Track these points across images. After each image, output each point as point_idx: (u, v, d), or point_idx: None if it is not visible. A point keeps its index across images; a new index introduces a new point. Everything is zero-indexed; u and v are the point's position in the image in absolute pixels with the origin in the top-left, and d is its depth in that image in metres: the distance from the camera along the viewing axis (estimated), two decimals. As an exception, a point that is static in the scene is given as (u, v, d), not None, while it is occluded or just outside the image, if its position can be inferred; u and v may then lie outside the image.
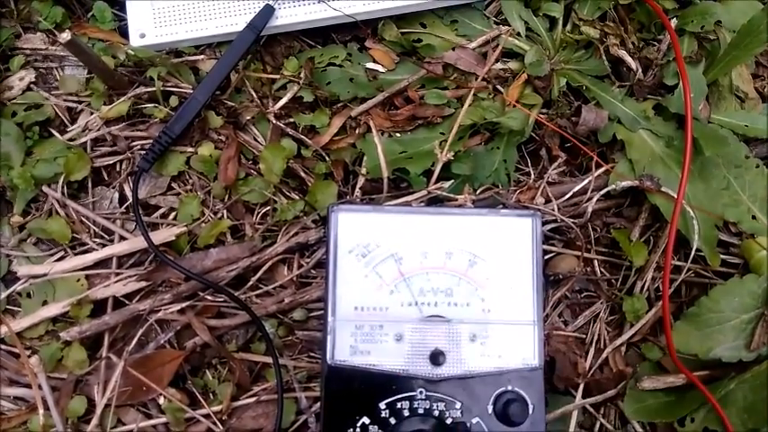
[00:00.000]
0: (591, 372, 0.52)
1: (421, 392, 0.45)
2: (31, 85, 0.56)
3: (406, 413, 0.44)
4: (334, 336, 0.45)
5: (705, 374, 0.51)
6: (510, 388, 0.45)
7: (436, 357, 0.45)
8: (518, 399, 0.45)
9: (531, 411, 0.45)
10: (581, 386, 0.51)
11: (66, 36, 0.48)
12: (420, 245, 0.47)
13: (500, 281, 0.47)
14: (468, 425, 0.44)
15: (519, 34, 0.59)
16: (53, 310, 0.50)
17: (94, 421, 0.48)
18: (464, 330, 0.46)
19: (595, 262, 0.55)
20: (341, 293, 0.45)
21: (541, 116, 0.56)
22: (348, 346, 0.45)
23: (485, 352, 0.45)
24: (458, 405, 0.45)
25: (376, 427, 0.44)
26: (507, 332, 0.46)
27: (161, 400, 0.50)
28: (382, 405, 0.44)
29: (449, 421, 0.44)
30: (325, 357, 0.45)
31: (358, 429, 0.44)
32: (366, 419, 0.44)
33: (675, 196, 0.51)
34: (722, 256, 0.54)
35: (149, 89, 0.54)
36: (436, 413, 0.44)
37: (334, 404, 0.44)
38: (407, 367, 0.45)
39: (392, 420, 0.44)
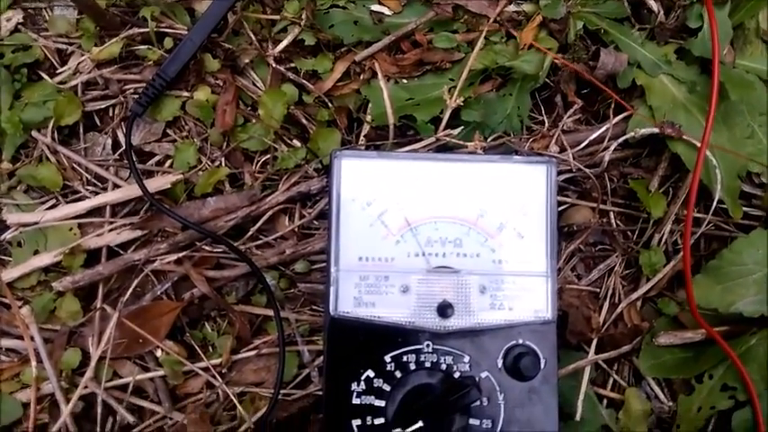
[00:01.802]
0: (605, 327, 0.51)
1: (428, 345, 0.43)
2: (19, 26, 0.53)
3: (413, 366, 0.43)
4: (338, 287, 0.43)
5: (725, 330, 0.49)
6: (521, 341, 0.43)
7: (444, 309, 0.43)
8: (529, 352, 0.43)
9: (542, 366, 0.43)
10: (594, 341, 0.50)
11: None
12: (428, 193, 0.45)
13: (512, 231, 0.45)
14: (477, 379, 0.43)
15: (534, -26, 0.56)
16: (45, 259, 0.49)
17: (89, 374, 0.47)
18: (473, 282, 0.44)
19: (611, 214, 0.52)
20: (344, 243, 0.43)
21: (557, 59, 0.53)
22: (352, 297, 0.43)
23: (495, 304, 0.44)
24: (466, 359, 0.43)
25: (381, 380, 0.42)
26: (519, 284, 0.44)
27: (158, 353, 0.48)
28: (388, 358, 0.43)
29: (457, 375, 0.43)
30: (328, 309, 0.43)
31: (362, 382, 0.42)
32: (371, 372, 0.43)
33: (698, 144, 0.49)
34: (744, 209, 0.52)
35: (142, 30, 0.51)
36: (444, 367, 0.43)
37: (337, 357, 0.43)
38: (414, 319, 0.43)
39: (398, 374, 0.43)
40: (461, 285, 0.43)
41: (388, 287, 0.43)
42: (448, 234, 0.44)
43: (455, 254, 0.44)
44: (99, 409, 0.47)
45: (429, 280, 0.43)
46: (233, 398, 0.48)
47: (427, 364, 0.43)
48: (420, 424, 0.41)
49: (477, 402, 0.42)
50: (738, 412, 0.48)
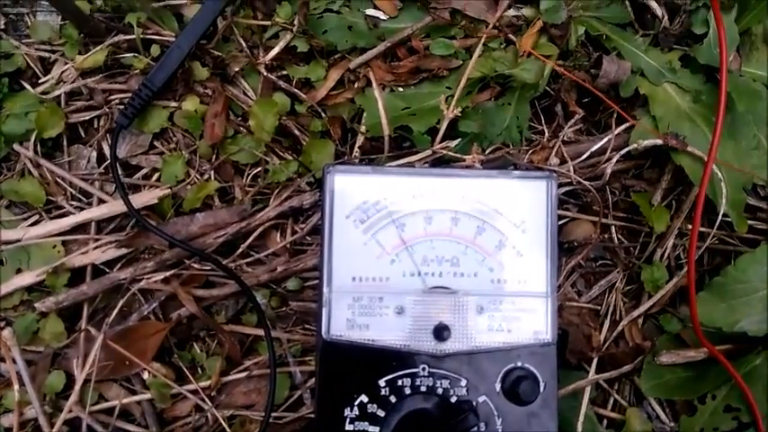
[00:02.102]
0: (605, 345, 0.50)
1: (424, 369, 0.42)
2: (1, 33, 0.51)
3: (408, 391, 0.41)
4: (330, 308, 0.41)
5: (728, 349, 0.48)
6: (520, 364, 0.42)
7: (441, 332, 0.42)
8: (528, 376, 0.42)
9: (542, 389, 0.42)
10: (595, 361, 0.49)
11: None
12: (424, 210, 0.43)
13: (511, 249, 0.43)
14: (475, 404, 0.41)
15: (533, -23, 0.54)
16: (28, 278, 0.47)
17: (73, 397, 0.45)
18: (471, 303, 0.42)
19: (613, 228, 0.51)
20: (337, 263, 0.42)
21: (558, 68, 0.51)
22: (345, 319, 0.42)
23: (493, 326, 0.42)
24: (463, 382, 0.42)
25: (375, 405, 0.41)
26: (518, 304, 0.43)
27: (145, 375, 0.47)
28: (382, 382, 0.41)
29: (453, 400, 0.41)
30: (321, 332, 0.41)
31: (356, 408, 0.41)
32: (365, 397, 0.41)
33: (703, 156, 0.47)
34: (749, 222, 0.50)
35: (128, 37, 0.50)
36: (440, 391, 0.41)
37: (330, 381, 0.41)
38: (409, 342, 0.42)
39: (393, 399, 0.41)
40: (458, 306, 0.42)
41: (382, 308, 0.42)
42: (445, 253, 0.43)
43: (452, 273, 0.42)
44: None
45: (425, 301, 0.42)
46: (222, 422, 0.46)
47: (423, 389, 0.41)
48: (416, 450, 0.39)
49: (475, 428, 0.40)
50: (742, 433, 0.47)
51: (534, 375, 0.42)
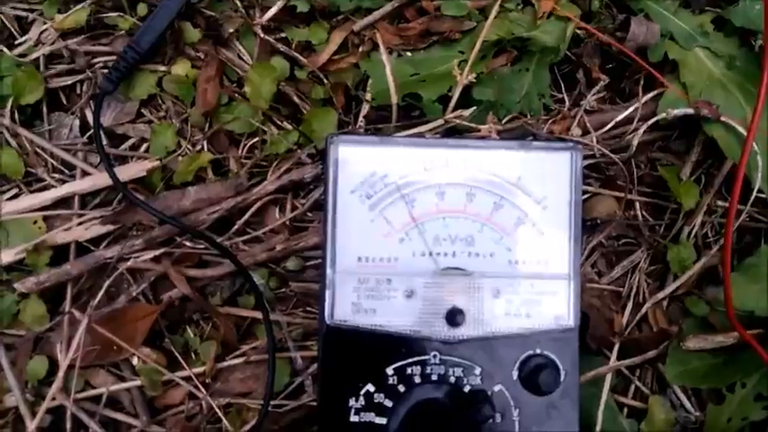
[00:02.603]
0: (628, 330, 0.47)
1: (435, 356, 0.39)
2: (-28, -10, 0.47)
3: (418, 379, 0.39)
4: (334, 291, 0.39)
5: (760, 333, 0.45)
6: (539, 351, 0.40)
7: (454, 316, 0.39)
8: (548, 364, 0.39)
9: (562, 378, 0.39)
10: (616, 346, 0.46)
11: None
12: (436, 184, 0.40)
13: (530, 227, 0.40)
14: (490, 393, 0.39)
15: (554, -69, 0.50)
16: (6, 257, 0.45)
17: (57, 384, 0.43)
18: (487, 285, 0.39)
19: (637, 204, 0.48)
20: (342, 241, 0.39)
21: (580, 30, 0.48)
22: (350, 303, 0.39)
23: (510, 310, 0.40)
24: (477, 370, 0.39)
25: (382, 395, 0.39)
26: (537, 287, 0.40)
27: (135, 361, 0.45)
28: (390, 370, 0.39)
29: (467, 389, 0.39)
30: (323, 316, 0.39)
31: (362, 398, 0.38)
32: (371, 387, 0.39)
33: (738, 127, 0.44)
34: (784, 200, 0.47)
35: (113, -6, 0.46)
36: (452, 379, 0.39)
37: (333, 369, 0.39)
38: (420, 328, 0.39)
39: (401, 388, 0.39)
40: (473, 289, 0.39)
41: (390, 291, 0.39)
42: (458, 231, 0.40)
43: (466, 253, 0.40)
44: (69, 424, 0.44)
45: (437, 283, 0.39)
46: (218, 410, 0.44)
47: (434, 377, 0.39)
48: (427, 442, 0.37)
49: (490, 419, 0.38)
50: (772, 421, 0.44)
51: (554, 363, 0.39)
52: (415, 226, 0.39)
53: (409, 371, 0.39)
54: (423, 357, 0.39)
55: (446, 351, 0.39)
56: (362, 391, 0.39)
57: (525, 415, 0.39)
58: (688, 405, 0.47)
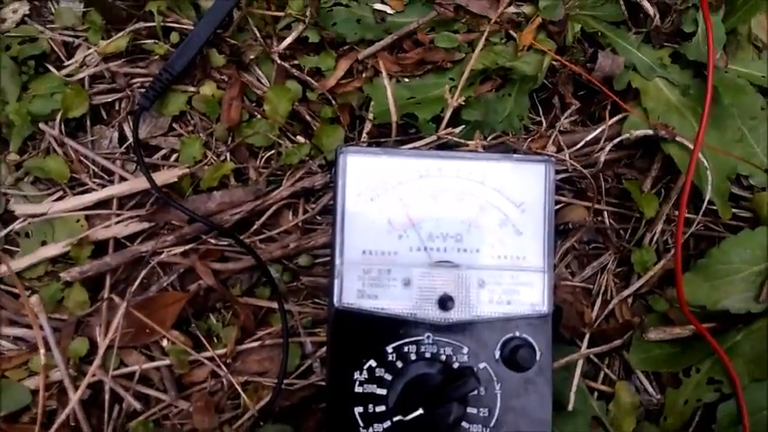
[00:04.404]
0: (597, 322, 0.52)
1: (428, 337, 0.44)
2: (26, 18, 0.54)
3: (413, 357, 0.44)
4: (342, 279, 0.44)
5: (712, 326, 0.51)
6: (518, 334, 0.45)
7: (444, 302, 0.44)
8: (526, 345, 0.44)
9: (538, 358, 0.44)
10: (587, 336, 0.52)
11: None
12: (430, 189, 0.45)
13: (510, 227, 0.45)
14: (475, 369, 0.44)
15: (534, -24, 0.57)
16: (52, 250, 0.49)
17: (97, 362, 0.48)
18: (473, 276, 0.45)
19: (605, 213, 0.54)
20: (349, 237, 0.44)
21: (556, 61, 0.54)
22: (356, 289, 0.44)
23: (493, 298, 0.45)
24: (465, 350, 0.44)
25: (383, 369, 0.43)
26: (516, 279, 0.45)
27: (164, 343, 0.49)
28: (389, 349, 0.44)
29: (456, 366, 0.44)
30: (333, 301, 0.44)
31: (365, 372, 0.43)
32: (373, 362, 0.43)
33: (690, 146, 0.51)
34: (733, 210, 0.53)
35: (149, 24, 0.53)
36: (443, 358, 0.44)
37: (341, 346, 0.44)
38: (415, 311, 0.44)
39: (399, 364, 0.44)
40: (461, 279, 0.45)
41: (390, 280, 0.44)
42: (449, 230, 0.45)
43: (456, 249, 0.45)
44: (106, 397, 0.48)
45: (430, 274, 0.44)
46: (237, 387, 0.49)
47: (427, 355, 0.44)
48: (420, 411, 0.42)
49: (475, 392, 0.43)
50: (723, 405, 0.50)
51: (531, 344, 0.44)
52: (411, 225, 0.45)
53: (406, 349, 0.44)
54: (418, 338, 0.44)
55: (438, 332, 0.44)
56: (365, 366, 0.43)
57: (506, 389, 0.44)
58: (650, 389, 0.53)
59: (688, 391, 0.51)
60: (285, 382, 0.49)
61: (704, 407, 0.51)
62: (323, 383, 0.50)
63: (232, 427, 0.48)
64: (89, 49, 0.53)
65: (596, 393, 0.52)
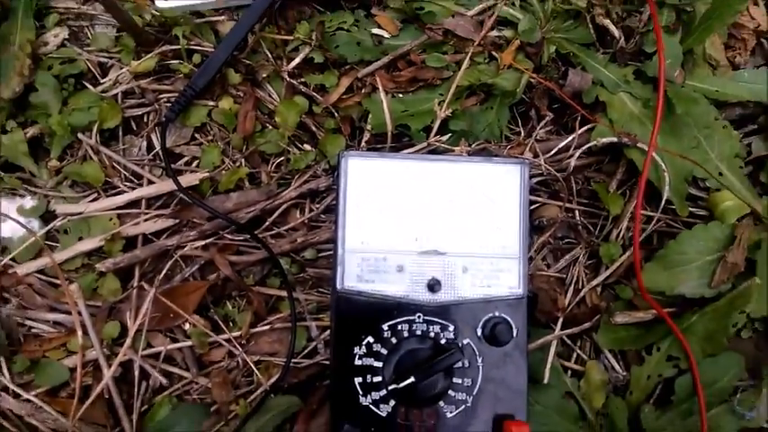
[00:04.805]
0: (569, 308, 0.58)
1: (419, 317, 0.50)
2: (65, 42, 0.61)
3: (406, 334, 0.50)
4: (343, 265, 0.50)
5: (670, 310, 0.57)
6: (497, 314, 0.51)
7: (433, 286, 0.50)
8: (504, 322, 0.50)
9: (515, 334, 0.50)
10: (560, 320, 0.58)
11: (104, -7, 0.53)
12: (421, 188, 0.52)
13: (491, 221, 0.52)
14: (460, 345, 0.50)
15: (513, 4, 0.64)
16: (88, 244, 0.56)
17: (127, 343, 0.54)
18: (458, 263, 0.51)
19: (576, 211, 0.61)
20: (350, 229, 0.51)
21: (532, 79, 0.62)
22: (355, 274, 0.50)
23: (475, 282, 0.51)
24: (451, 328, 0.50)
25: (379, 345, 0.50)
26: (495, 265, 0.51)
27: (186, 326, 0.56)
28: (385, 327, 0.50)
29: (443, 342, 0.50)
30: (335, 285, 0.50)
31: (363, 347, 0.50)
32: (371, 339, 0.50)
33: (644, 149, 0.57)
34: (690, 209, 0.60)
35: (174, 47, 0.59)
36: (432, 335, 0.50)
37: (342, 325, 0.50)
38: (408, 294, 0.50)
39: (393, 340, 0.50)
40: (447, 265, 0.51)
41: (386, 266, 0.51)
42: (437, 223, 0.51)
43: (442, 239, 0.51)
44: (136, 374, 0.54)
45: (420, 261, 0.51)
46: (251, 365, 0.55)
47: (418, 332, 0.50)
48: (412, 380, 0.48)
49: (460, 364, 0.50)
50: (681, 378, 0.56)
51: (509, 322, 0.50)
52: (405, 218, 0.52)
53: (399, 327, 0.50)
54: (410, 317, 0.50)
55: (427, 313, 0.50)
56: (364, 342, 0.49)
57: (487, 362, 0.50)
58: (617, 367, 0.59)
59: (650, 367, 0.57)
60: (293, 361, 0.55)
61: (664, 381, 0.57)
62: (327, 362, 0.56)
63: (246, 400, 0.54)
64: (121, 68, 0.60)
65: (569, 372, 0.58)
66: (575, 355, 0.59)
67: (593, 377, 0.58)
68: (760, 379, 0.58)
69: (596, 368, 0.58)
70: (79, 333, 0.54)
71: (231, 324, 0.57)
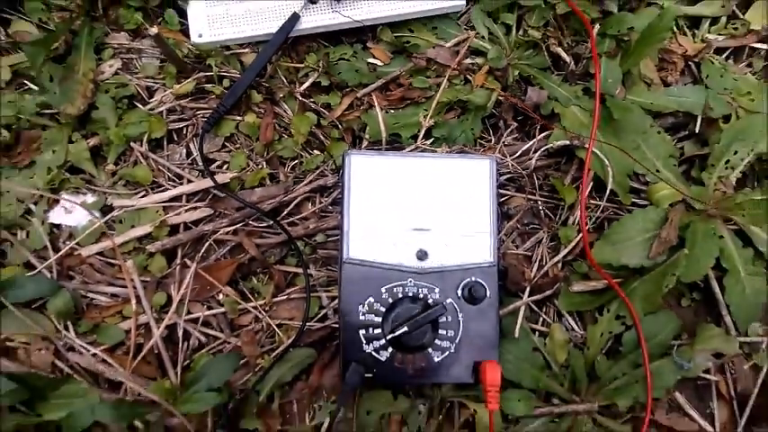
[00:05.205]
0: (534, 279, 0.70)
1: (410, 281, 0.63)
2: (119, 71, 0.74)
3: (400, 295, 0.62)
4: (348, 240, 0.62)
5: (617, 281, 0.69)
6: (473, 279, 0.63)
7: (421, 257, 0.63)
8: (479, 285, 0.62)
9: (488, 295, 0.63)
10: (527, 289, 0.70)
11: (154, 30, 0.67)
12: (410, 178, 0.65)
13: (468, 204, 0.65)
14: (444, 304, 0.62)
15: (483, 37, 0.79)
16: (140, 231, 0.68)
17: (172, 309, 0.66)
18: (441, 237, 0.64)
19: (539, 202, 0.74)
20: (353, 210, 0.63)
21: (500, 96, 0.75)
22: (358, 247, 0.63)
23: (455, 253, 0.63)
24: (437, 290, 0.62)
25: (379, 304, 0.62)
26: (472, 240, 0.64)
27: (220, 297, 0.67)
28: (383, 290, 0.62)
29: (430, 301, 0.62)
30: (342, 256, 0.63)
31: (366, 305, 0.61)
32: (371, 299, 0.62)
33: (596, 151, 0.71)
34: (633, 200, 0.73)
35: (208, 73, 0.73)
36: (421, 296, 0.62)
37: (348, 288, 0.62)
38: (401, 262, 0.63)
39: (390, 300, 0.62)
40: (433, 239, 0.63)
41: (383, 240, 0.63)
42: (424, 205, 0.64)
43: (429, 219, 0.64)
44: (179, 334, 0.66)
45: (411, 235, 0.63)
46: (274, 327, 0.67)
47: (410, 294, 0.62)
48: (405, 329, 0.60)
49: (444, 318, 0.61)
50: (627, 333, 0.68)
51: (483, 285, 0.62)
52: (398, 201, 0.64)
53: (395, 290, 0.62)
54: (403, 282, 0.62)
55: (417, 278, 0.62)
56: (366, 302, 0.61)
57: (466, 317, 0.62)
58: (576, 328, 0.71)
59: (602, 326, 0.69)
60: (307, 324, 0.67)
61: (614, 337, 0.69)
62: (336, 325, 0.67)
63: (270, 355, 0.66)
64: (165, 91, 0.73)
65: (537, 333, 0.70)
66: (541, 319, 0.71)
67: (557, 336, 0.69)
68: (696, 336, 0.70)
69: (559, 329, 0.70)
70: (133, 302, 0.65)
71: (256, 295, 0.68)
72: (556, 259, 0.72)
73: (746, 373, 0.71)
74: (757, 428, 0.70)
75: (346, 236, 0.63)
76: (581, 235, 0.72)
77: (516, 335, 0.68)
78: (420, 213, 0.65)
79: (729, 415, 0.71)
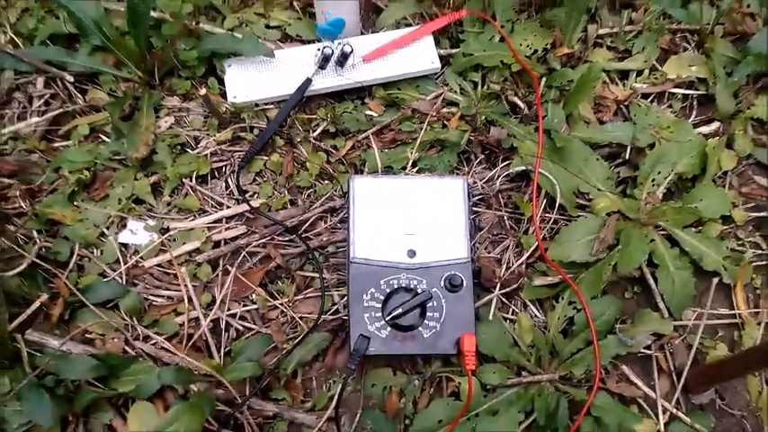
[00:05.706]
0: (504, 277, 0.88)
1: (403, 275, 0.80)
2: (172, 125, 0.95)
3: (395, 286, 0.80)
4: (354, 243, 0.81)
5: (569, 274, 0.87)
6: (453, 272, 0.81)
7: (411, 254, 0.81)
8: (457, 276, 0.80)
9: (465, 284, 0.80)
10: (498, 285, 0.87)
11: (203, 92, 0.88)
12: (402, 194, 0.84)
13: (446, 215, 0.84)
14: (430, 292, 0.80)
15: (456, 91, 1.00)
16: (190, 246, 0.87)
17: (216, 306, 0.83)
18: (426, 239, 0.82)
19: (504, 216, 0.92)
20: (357, 221, 0.82)
21: (471, 135, 0.96)
22: (361, 248, 0.81)
23: (438, 251, 0.82)
24: (424, 282, 0.80)
25: (378, 293, 0.79)
26: (451, 242, 0.83)
27: (253, 296, 0.85)
28: (382, 282, 0.80)
29: (419, 290, 0.80)
30: (349, 256, 0.81)
31: (369, 294, 0.79)
32: (373, 290, 0.79)
33: (545, 173, 0.90)
34: (579, 213, 0.92)
35: (242, 125, 0.94)
36: (412, 286, 0.80)
37: (354, 282, 0.80)
38: (396, 260, 0.81)
39: (387, 290, 0.79)
40: (420, 241, 0.82)
41: (381, 243, 0.81)
42: (413, 215, 0.83)
43: (416, 225, 0.82)
44: (222, 325, 0.83)
45: (402, 238, 0.81)
46: (296, 319, 0.84)
47: (403, 285, 0.79)
48: (400, 310, 0.78)
49: (431, 303, 0.79)
50: (578, 315, 0.84)
51: (460, 277, 0.80)
52: (392, 213, 0.83)
53: (391, 282, 0.80)
54: (397, 275, 0.80)
55: (409, 272, 0.80)
56: (369, 292, 0.79)
57: (448, 302, 0.79)
58: (538, 314, 0.88)
59: (559, 311, 0.85)
60: (323, 317, 0.84)
61: (569, 320, 0.85)
62: (346, 318, 0.84)
63: (294, 341, 0.83)
64: (209, 138, 0.94)
65: (507, 321, 0.87)
66: (510, 309, 0.88)
67: (524, 322, 0.86)
68: (636, 320, 0.87)
69: (525, 317, 0.87)
70: (186, 301, 0.83)
71: (282, 294, 0.86)
72: (520, 261, 0.89)
73: (681, 349, 0.87)
74: (692, 395, 0.86)
75: (352, 240, 0.82)
76: (537, 242, 0.90)
77: (490, 320, 0.85)
78: (410, 221, 0.83)
79: (670, 385, 0.86)
